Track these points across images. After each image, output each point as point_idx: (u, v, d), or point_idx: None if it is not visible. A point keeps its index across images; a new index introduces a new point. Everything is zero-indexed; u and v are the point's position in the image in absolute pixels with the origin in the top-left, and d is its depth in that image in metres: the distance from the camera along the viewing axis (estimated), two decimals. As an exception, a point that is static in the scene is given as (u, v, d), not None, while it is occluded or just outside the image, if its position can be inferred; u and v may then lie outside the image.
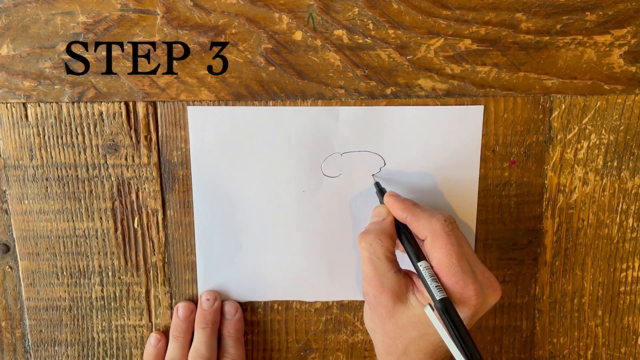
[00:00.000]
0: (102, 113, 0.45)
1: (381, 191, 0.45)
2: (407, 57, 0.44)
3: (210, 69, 0.44)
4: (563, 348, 0.51)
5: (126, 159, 0.46)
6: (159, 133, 0.46)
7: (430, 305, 0.38)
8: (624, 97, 0.46)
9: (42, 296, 0.48)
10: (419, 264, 0.40)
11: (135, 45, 0.43)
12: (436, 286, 0.38)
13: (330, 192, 0.47)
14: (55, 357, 0.50)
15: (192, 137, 0.45)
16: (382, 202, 0.44)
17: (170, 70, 0.44)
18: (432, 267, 0.39)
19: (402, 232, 0.42)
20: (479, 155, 0.46)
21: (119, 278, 0.48)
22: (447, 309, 0.37)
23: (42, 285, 0.48)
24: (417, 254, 0.40)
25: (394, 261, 0.42)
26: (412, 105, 0.45)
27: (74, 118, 0.45)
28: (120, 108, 0.45)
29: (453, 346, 0.37)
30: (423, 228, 0.40)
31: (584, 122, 0.47)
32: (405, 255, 0.42)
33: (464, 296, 0.38)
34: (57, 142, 0.45)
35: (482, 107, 0.45)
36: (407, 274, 0.42)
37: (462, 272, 0.39)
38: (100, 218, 0.47)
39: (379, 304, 0.41)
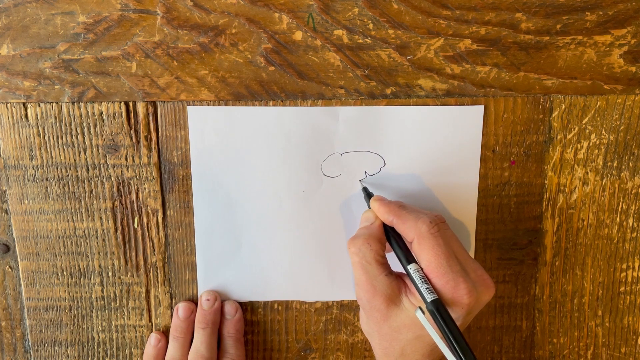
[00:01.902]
0: (102, 113, 0.45)
1: (369, 196, 0.45)
2: (407, 57, 0.44)
3: (210, 68, 0.44)
4: (563, 348, 0.51)
5: (126, 159, 0.46)
6: (159, 133, 0.46)
7: (420, 308, 0.38)
8: (624, 97, 0.46)
9: (42, 296, 0.48)
10: (408, 266, 0.40)
11: (135, 45, 0.43)
12: (427, 288, 0.38)
13: (330, 192, 0.47)
14: (55, 357, 0.50)
15: (192, 137, 0.45)
16: (370, 207, 0.44)
17: (170, 70, 0.44)
18: (421, 268, 0.39)
19: (390, 236, 0.42)
20: (479, 155, 0.46)
21: (119, 278, 0.48)
22: (438, 310, 0.37)
23: (42, 285, 0.48)
24: (407, 256, 0.40)
25: (384, 264, 0.41)
26: (412, 105, 0.45)
27: (74, 118, 0.45)
28: (120, 108, 0.45)
29: (446, 349, 0.37)
30: (409, 230, 0.40)
31: (584, 122, 0.47)
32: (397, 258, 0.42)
33: (456, 296, 0.38)
34: (57, 142, 0.45)
35: (482, 107, 0.45)
36: (399, 277, 0.41)
37: (452, 272, 0.38)
38: (100, 218, 0.47)
39: (372, 308, 0.41)
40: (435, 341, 0.37)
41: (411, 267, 0.39)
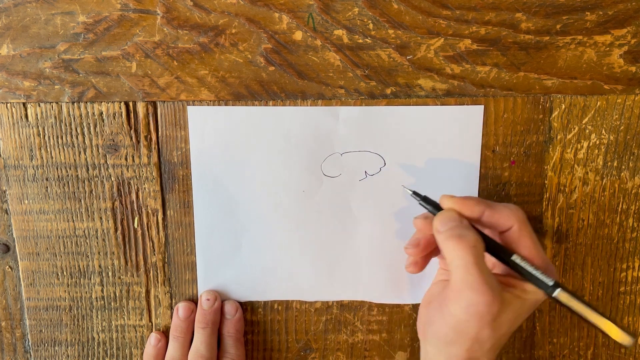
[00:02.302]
0: (102, 113, 0.45)
1: (425, 200, 0.43)
2: (407, 57, 0.44)
3: (210, 68, 0.44)
4: (563, 348, 0.51)
5: (126, 159, 0.46)
6: (159, 133, 0.46)
7: (560, 289, 0.39)
8: (624, 97, 0.46)
9: (42, 296, 0.48)
10: (513, 257, 0.40)
11: (135, 45, 0.43)
12: (542, 273, 0.39)
13: (330, 192, 0.47)
14: (55, 357, 0.50)
15: (192, 137, 0.45)
16: (433, 210, 0.42)
17: (170, 70, 0.44)
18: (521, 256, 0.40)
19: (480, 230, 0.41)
20: (479, 155, 0.46)
21: (119, 278, 0.48)
22: (565, 290, 0.39)
23: (42, 285, 0.48)
24: (505, 248, 0.40)
25: None
26: (412, 105, 0.45)
27: (74, 118, 0.45)
28: (120, 108, 0.45)
29: (600, 318, 0.39)
30: (507, 218, 0.40)
31: (584, 122, 0.47)
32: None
33: (551, 276, 0.40)
34: (57, 142, 0.45)
35: (482, 107, 0.45)
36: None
37: (545, 255, 0.40)
38: (100, 218, 0.47)
39: (488, 312, 0.37)
40: (587, 317, 0.39)
41: (517, 258, 0.40)
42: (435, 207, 0.42)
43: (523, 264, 0.39)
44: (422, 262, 0.43)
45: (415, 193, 0.43)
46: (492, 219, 0.40)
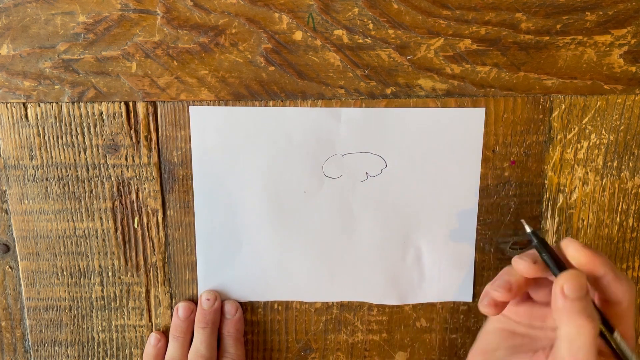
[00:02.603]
0: (102, 113, 0.45)
1: (543, 244, 0.37)
2: (407, 57, 0.44)
3: (210, 68, 0.44)
4: (563, 348, 0.51)
5: (126, 159, 0.46)
6: (159, 133, 0.46)
7: None
8: (624, 97, 0.46)
9: (42, 296, 0.48)
10: (615, 334, 0.35)
11: (135, 45, 0.43)
12: (637, 358, 0.35)
13: (331, 193, 0.47)
14: (55, 357, 0.50)
15: (194, 137, 0.45)
16: (551, 261, 0.36)
17: (170, 70, 0.44)
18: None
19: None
20: (480, 157, 0.46)
21: (119, 278, 0.48)
22: None
23: (42, 285, 0.48)
24: (609, 321, 0.36)
25: None
26: (412, 105, 0.45)
27: (74, 118, 0.45)
28: (120, 108, 0.45)
29: None
30: (623, 293, 0.35)
31: (584, 122, 0.47)
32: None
33: None
34: (57, 142, 0.45)
35: (483, 109, 0.45)
36: None
37: None
38: (100, 218, 0.47)
39: None
40: None
41: (618, 336, 0.35)
42: (552, 255, 0.36)
43: (623, 345, 0.35)
44: (502, 305, 0.39)
45: (534, 233, 0.38)
46: (610, 287, 0.36)
